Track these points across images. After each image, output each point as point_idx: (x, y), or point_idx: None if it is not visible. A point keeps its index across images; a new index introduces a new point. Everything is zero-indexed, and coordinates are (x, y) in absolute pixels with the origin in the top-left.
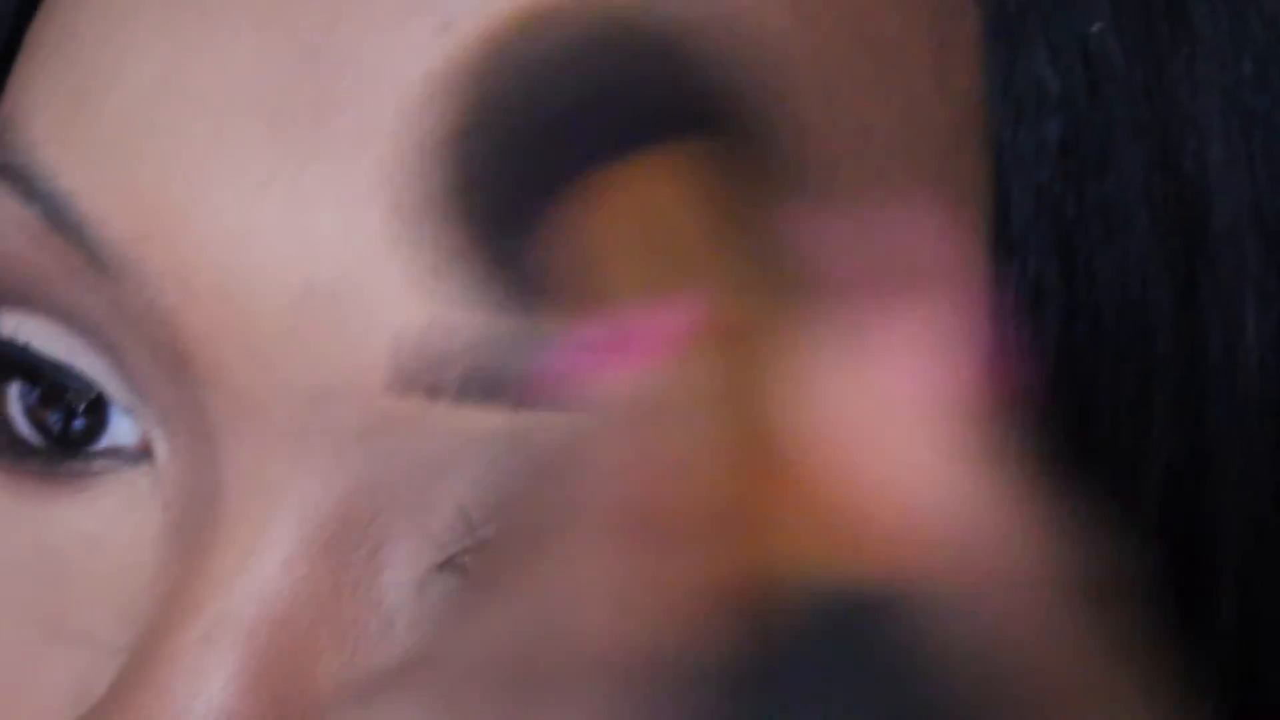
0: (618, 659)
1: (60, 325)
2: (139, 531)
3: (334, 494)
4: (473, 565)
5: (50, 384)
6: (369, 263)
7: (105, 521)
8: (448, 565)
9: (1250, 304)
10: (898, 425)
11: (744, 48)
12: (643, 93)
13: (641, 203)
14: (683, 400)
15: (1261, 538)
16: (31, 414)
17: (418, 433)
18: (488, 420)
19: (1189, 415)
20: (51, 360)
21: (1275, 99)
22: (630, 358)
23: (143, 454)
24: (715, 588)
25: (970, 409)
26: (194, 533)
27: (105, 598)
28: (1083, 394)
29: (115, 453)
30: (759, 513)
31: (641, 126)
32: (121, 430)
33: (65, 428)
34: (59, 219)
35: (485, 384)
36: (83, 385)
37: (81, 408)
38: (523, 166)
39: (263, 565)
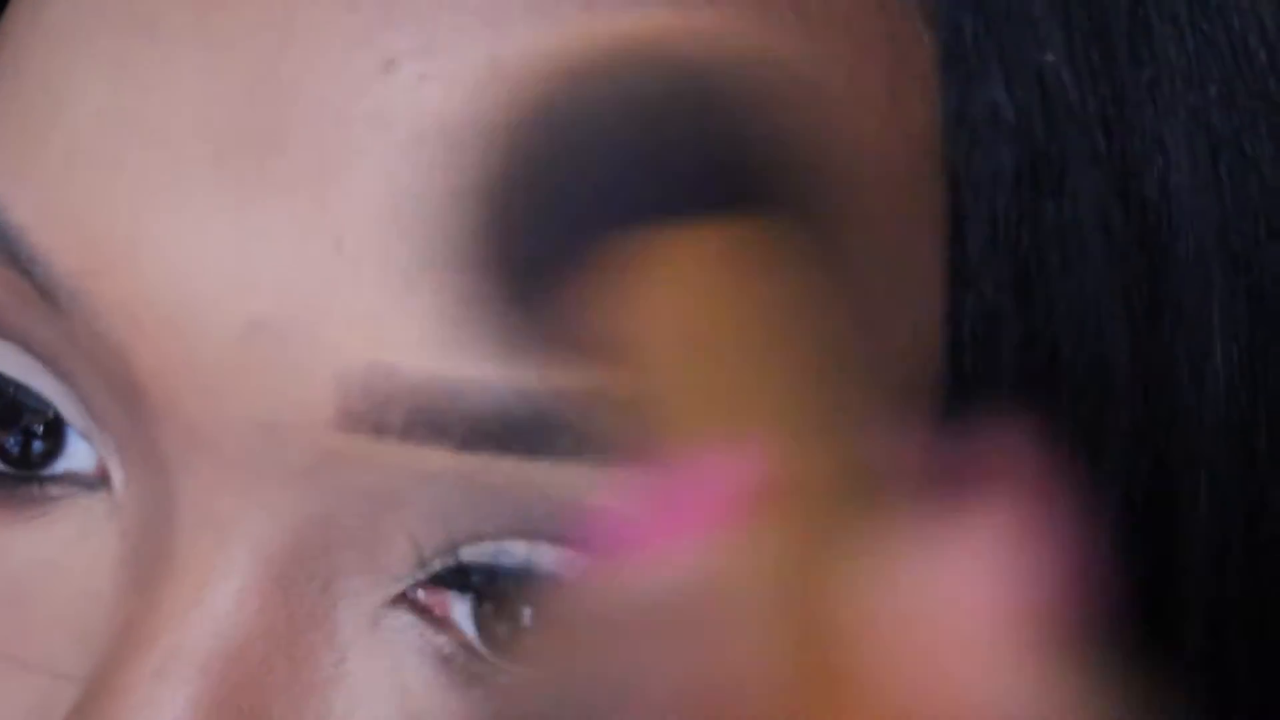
0: None
1: (16, 346)
2: (96, 559)
3: (286, 527)
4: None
5: (9, 402)
6: (313, 300)
7: (63, 548)
8: (400, 599)
9: (1217, 328)
10: (969, 637)
11: (806, 115)
12: (693, 156)
13: (683, 282)
14: (745, 584)
15: (1229, 564)
16: None
17: (366, 468)
18: (435, 458)
19: (1147, 446)
20: (8, 377)
21: (1243, 120)
22: (689, 521)
23: (100, 480)
24: None
25: (1043, 622)
26: (149, 563)
27: (63, 625)
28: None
29: (73, 478)
30: None
31: (686, 194)
32: (79, 454)
33: (23, 451)
34: (11, 253)
35: (430, 425)
36: (40, 405)
37: (40, 429)
38: (536, 220)
39: (216, 598)
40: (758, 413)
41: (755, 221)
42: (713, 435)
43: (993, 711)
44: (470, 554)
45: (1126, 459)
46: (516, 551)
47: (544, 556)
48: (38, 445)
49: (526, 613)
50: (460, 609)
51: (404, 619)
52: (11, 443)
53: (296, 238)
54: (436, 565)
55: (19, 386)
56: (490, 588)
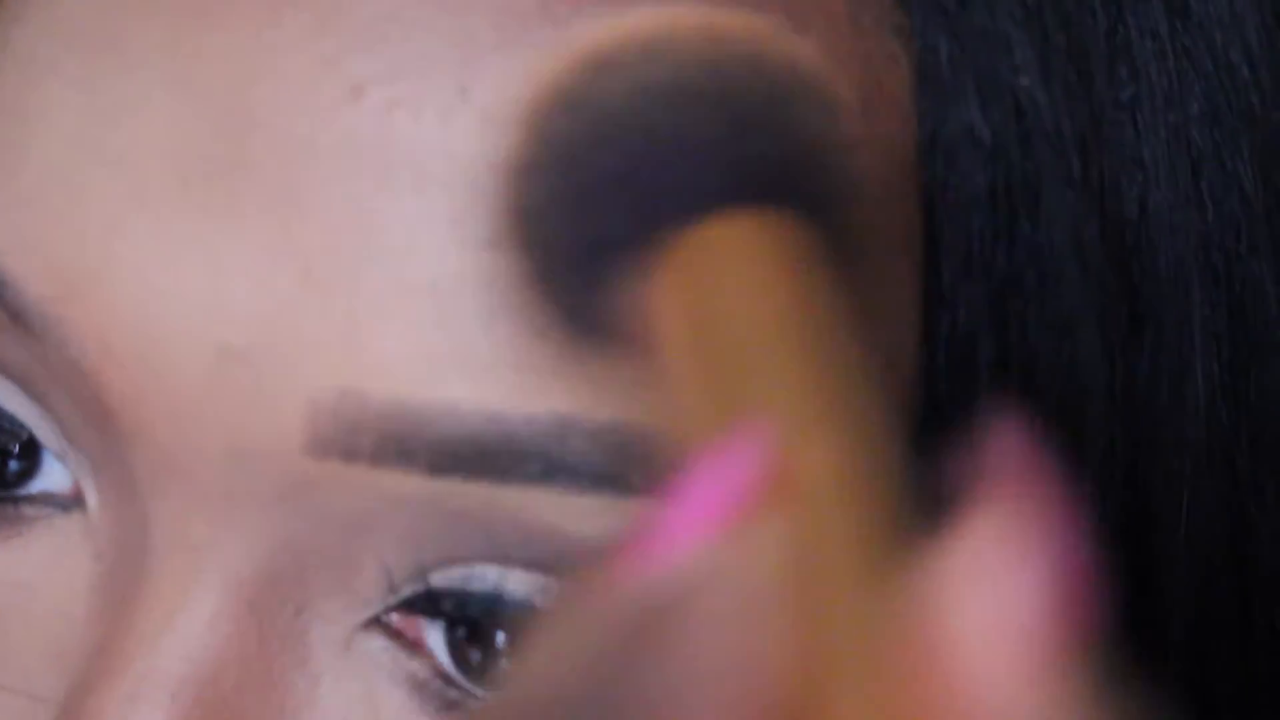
0: None
1: None
2: (71, 581)
3: (258, 552)
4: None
5: None
6: (282, 327)
7: (38, 569)
8: (374, 623)
9: (1198, 346)
10: (974, 647)
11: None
12: (707, 151)
13: (706, 276)
14: (751, 580)
15: (1211, 584)
16: None
17: (338, 493)
18: (405, 483)
19: (1125, 468)
20: None
21: (1225, 136)
22: (695, 523)
23: (75, 502)
24: None
25: (1035, 636)
26: (123, 586)
27: (38, 647)
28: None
29: (48, 499)
30: None
31: (706, 187)
32: (54, 475)
33: None
34: None
35: (400, 450)
36: (15, 426)
37: (15, 449)
38: (587, 206)
39: (189, 623)
40: (768, 408)
41: (768, 216)
42: (723, 430)
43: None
44: (441, 579)
45: (1105, 481)
46: (488, 576)
47: (516, 582)
48: (13, 465)
49: (500, 638)
50: (433, 634)
51: (377, 643)
52: None
53: (265, 265)
54: (407, 590)
55: None
56: (462, 613)
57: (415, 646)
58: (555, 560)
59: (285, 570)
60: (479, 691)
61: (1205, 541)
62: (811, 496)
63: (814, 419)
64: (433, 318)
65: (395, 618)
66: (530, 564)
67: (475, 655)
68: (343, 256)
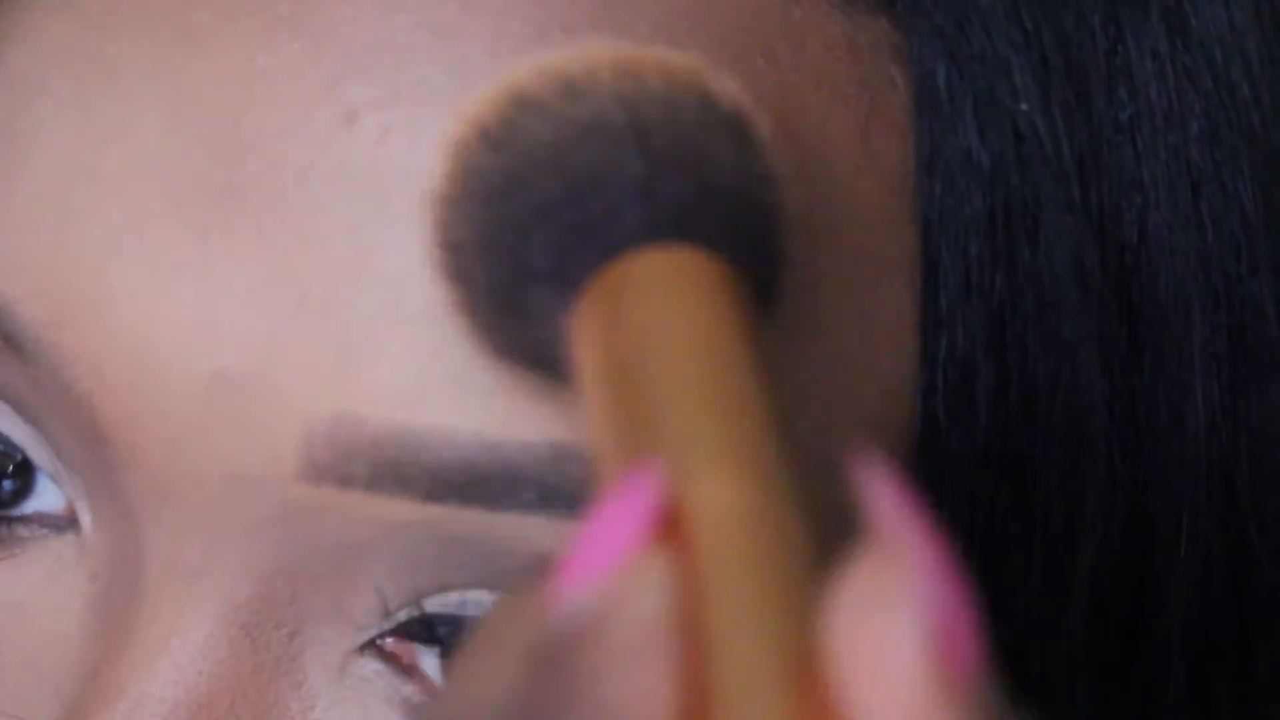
0: None
1: None
2: (66, 601)
3: (253, 576)
4: None
5: None
6: (277, 353)
7: (32, 590)
8: (368, 647)
9: (1198, 367)
10: (879, 681)
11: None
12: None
13: (621, 312)
14: (645, 617)
15: (1211, 606)
16: None
17: (332, 519)
18: (400, 509)
19: (1125, 491)
20: None
21: (1225, 156)
22: (592, 561)
23: (69, 522)
24: None
25: (948, 672)
26: (117, 609)
27: (32, 667)
28: (1013, 473)
29: (42, 519)
30: None
31: (624, 225)
32: (48, 495)
33: None
34: None
35: (395, 477)
36: (8, 447)
37: (9, 469)
38: (510, 241)
39: (183, 647)
40: (668, 446)
41: (684, 252)
42: (623, 468)
43: None
44: (435, 604)
45: (1104, 504)
46: (483, 602)
47: None
48: (7, 485)
49: None
50: (428, 659)
51: (372, 667)
52: None
53: (259, 291)
54: (402, 615)
55: None
56: (457, 639)
57: (409, 671)
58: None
59: (280, 594)
60: None
61: (1205, 561)
62: (707, 534)
63: (714, 456)
64: (428, 344)
65: (390, 642)
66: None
67: None
68: (337, 282)
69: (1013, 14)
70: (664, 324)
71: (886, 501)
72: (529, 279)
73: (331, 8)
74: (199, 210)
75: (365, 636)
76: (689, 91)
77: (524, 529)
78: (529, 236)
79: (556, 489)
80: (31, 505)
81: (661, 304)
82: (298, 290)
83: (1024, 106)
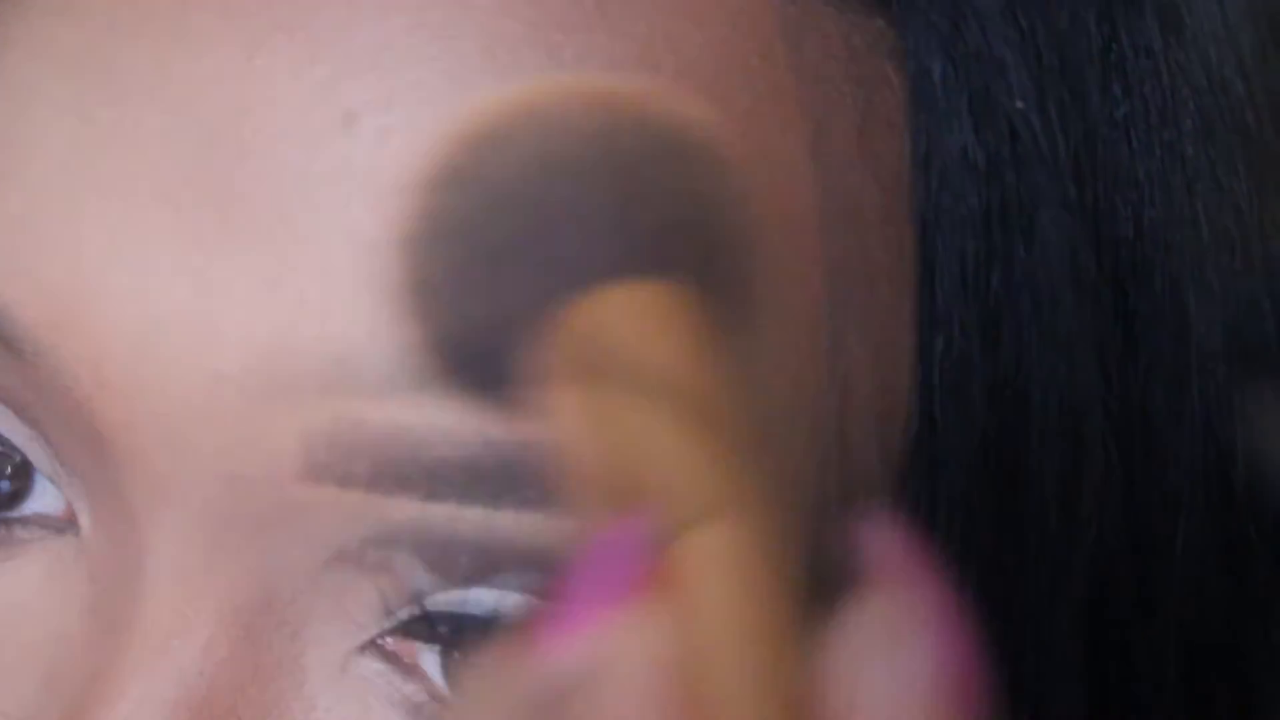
0: None
1: None
2: (65, 602)
3: (254, 577)
4: None
5: None
6: (276, 354)
7: (31, 591)
8: (369, 646)
9: (1194, 364)
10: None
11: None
12: (598, 223)
13: (596, 350)
14: (633, 665)
15: (1208, 604)
16: None
17: (333, 518)
18: (400, 509)
19: (1121, 489)
20: None
21: (1220, 153)
22: (582, 616)
23: (68, 524)
24: None
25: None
26: (117, 610)
27: (32, 669)
28: (1009, 471)
29: (41, 520)
30: None
31: (595, 260)
32: (47, 497)
33: None
34: None
35: (396, 476)
36: (7, 448)
37: (8, 470)
38: (479, 279)
39: (184, 647)
40: (652, 495)
41: (659, 284)
42: (609, 509)
43: None
44: (436, 603)
45: (1102, 500)
46: (484, 601)
47: (511, 606)
48: (5, 486)
49: None
50: (429, 657)
51: (373, 666)
52: None
53: (259, 293)
54: (403, 614)
55: None
56: (457, 637)
57: (411, 670)
58: (551, 585)
59: (280, 594)
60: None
61: (1202, 560)
62: (697, 581)
63: (702, 501)
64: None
65: (391, 641)
66: (526, 588)
67: (471, 679)
68: (338, 283)
69: (1008, 12)
70: (640, 362)
71: (887, 544)
72: (500, 317)
73: (329, 10)
74: (198, 213)
75: (366, 636)
76: (660, 121)
77: (523, 526)
78: (499, 274)
79: (556, 487)
80: (30, 507)
81: (638, 341)
82: (297, 291)
83: (1019, 104)
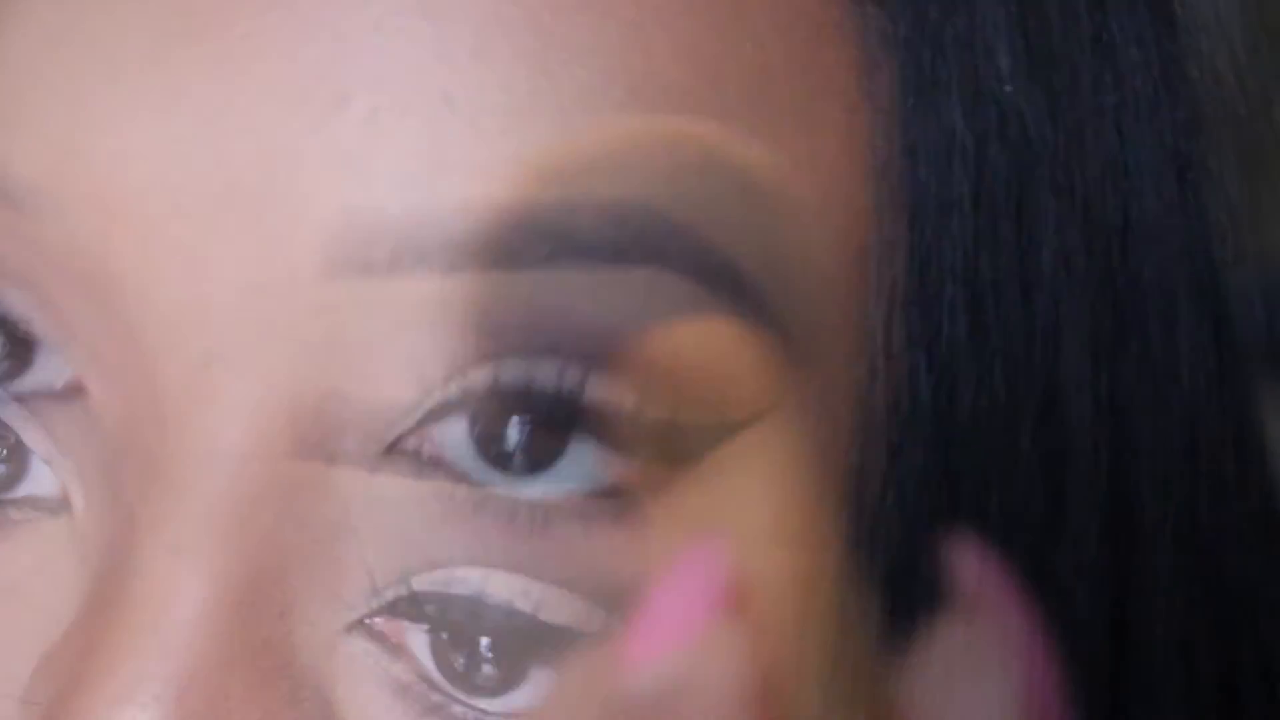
0: None
1: None
2: (58, 583)
3: (243, 554)
4: None
5: None
6: (266, 331)
7: (24, 572)
8: (358, 626)
9: (1183, 354)
10: None
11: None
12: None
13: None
14: (711, 686)
15: (1198, 591)
16: None
17: (323, 495)
18: (391, 485)
19: (1108, 479)
20: None
21: (1210, 144)
22: (661, 637)
23: (61, 505)
24: None
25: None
26: (109, 589)
27: (25, 649)
28: (996, 457)
29: (34, 502)
30: None
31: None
32: (41, 479)
33: None
34: None
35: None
36: (2, 430)
37: (3, 453)
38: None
39: (173, 626)
40: (726, 524)
41: (731, 324)
42: (687, 541)
43: None
44: (423, 583)
45: (1090, 490)
46: (470, 580)
47: (497, 585)
48: (0, 469)
49: (484, 643)
50: (417, 638)
51: (361, 646)
52: None
53: (252, 272)
54: (390, 594)
55: None
56: (444, 617)
57: (398, 650)
58: (538, 563)
59: (270, 573)
60: (462, 696)
61: (1190, 550)
62: (778, 603)
63: (770, 533)
64: None
65: (379, 621)
66: (513, 566)
67: (458, 659)
68: (330, 265)
69: None
70: (712, 402)
71: (974, 569)
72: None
73: None
74: (191, 193)
75: (354, 615)
76: (727, 162)
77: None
78: (571, 311)
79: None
80: (24, 489)
81: (709, 383)
82: (288, 269)
83: (1008, 89)
